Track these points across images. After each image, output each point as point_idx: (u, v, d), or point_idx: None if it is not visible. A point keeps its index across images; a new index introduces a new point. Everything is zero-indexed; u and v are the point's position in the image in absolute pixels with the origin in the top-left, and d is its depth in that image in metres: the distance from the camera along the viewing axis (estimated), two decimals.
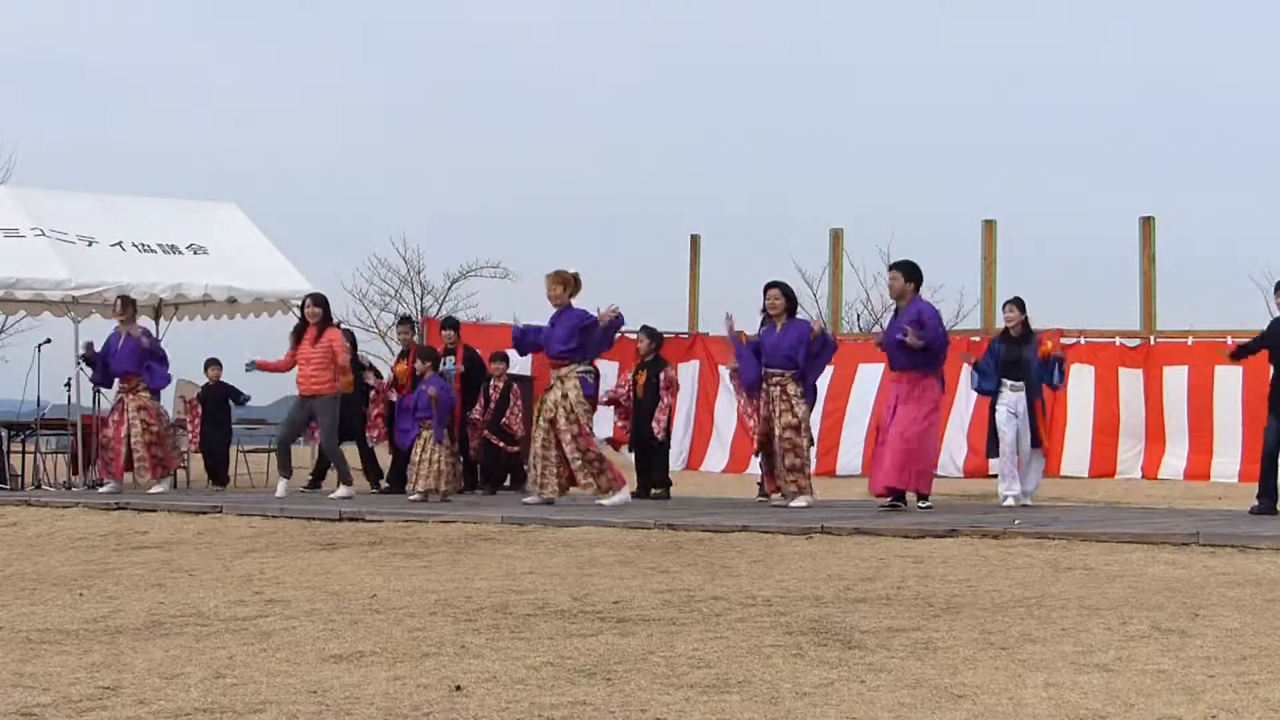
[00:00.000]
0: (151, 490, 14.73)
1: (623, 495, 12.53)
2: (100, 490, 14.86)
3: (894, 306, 12.73)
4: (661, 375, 14.57)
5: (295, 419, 14.80)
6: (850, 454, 20.62)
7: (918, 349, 11.83)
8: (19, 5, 72.34)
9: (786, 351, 12.41)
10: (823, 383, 16.15)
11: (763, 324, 12.78)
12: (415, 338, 16.54)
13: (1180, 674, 5.40)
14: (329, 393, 14.29)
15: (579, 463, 12.59)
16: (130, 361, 15.01)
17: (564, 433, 12.60)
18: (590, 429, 12.84)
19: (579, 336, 12.72)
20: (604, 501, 12.43)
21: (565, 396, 12.63)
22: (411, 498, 13.46)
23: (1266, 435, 11.79)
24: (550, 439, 12.69)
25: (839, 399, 20.97)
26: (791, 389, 12.39)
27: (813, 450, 13.10)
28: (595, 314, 12.72)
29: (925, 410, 11.96)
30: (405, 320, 16.09)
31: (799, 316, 12.79)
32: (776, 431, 12.36)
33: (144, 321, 16.49)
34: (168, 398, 17.50)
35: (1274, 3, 60.69)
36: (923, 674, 5.44)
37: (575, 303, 12.92)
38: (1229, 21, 68.68)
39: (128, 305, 15.25)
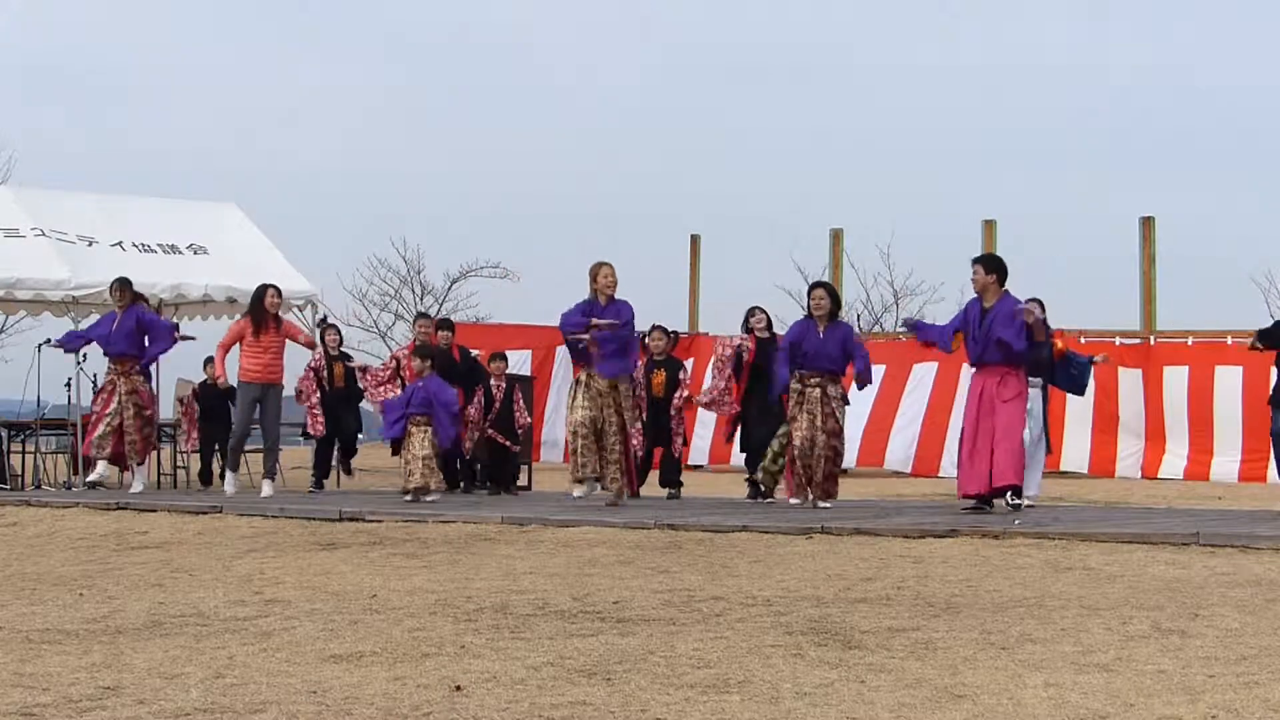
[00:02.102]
0: (133, 486, 14.71)
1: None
2: (89, 478, 14.83)
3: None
4: (681, 374, 14.49)
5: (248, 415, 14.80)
6: (849, 452, 20.62)
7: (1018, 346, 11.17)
8: (19, 5, 72.45)
9: (831, 353, 12.19)
10: None
11: (803, 324, 12.43)
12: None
13: (1180, 674, 5.40)
14: (280, 382, 14.75)
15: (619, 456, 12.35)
16: (126, 343, 14.87)
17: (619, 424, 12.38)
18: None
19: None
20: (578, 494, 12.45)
21: (615, 388, 12.31)
22: (404, 498, 13.45)
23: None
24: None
25: None
26: (832, 390, 12.19)
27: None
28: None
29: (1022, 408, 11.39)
30: (424, 316, 16.34)
31: (841, 319, 12.64)
32: (817, 437, 12.08)
33: None
34: (167, 399, 17.50)
35: (1273, 3, 60.76)
36: (923, 674, 5.44)
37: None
38: (1228, 21, 68.77)
39: (125, 289, 15.07)
